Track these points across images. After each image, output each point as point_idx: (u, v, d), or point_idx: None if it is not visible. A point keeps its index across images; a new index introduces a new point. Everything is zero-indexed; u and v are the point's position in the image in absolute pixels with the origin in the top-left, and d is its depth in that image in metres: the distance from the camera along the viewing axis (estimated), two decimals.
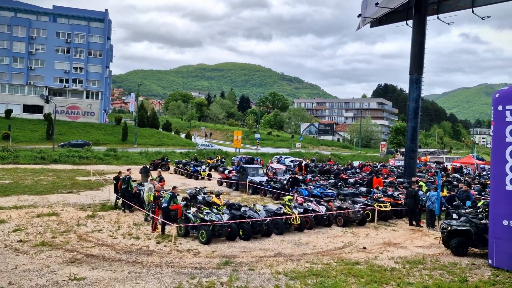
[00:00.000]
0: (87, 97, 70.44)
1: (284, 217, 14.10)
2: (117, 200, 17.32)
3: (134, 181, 18.60)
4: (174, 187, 14.04)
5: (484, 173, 34.97)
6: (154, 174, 22.37)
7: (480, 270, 10.43)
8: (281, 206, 14.89)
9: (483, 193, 20.62)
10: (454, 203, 16.57)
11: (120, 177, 17.58)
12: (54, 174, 28.53)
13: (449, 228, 11.98)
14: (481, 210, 12.99)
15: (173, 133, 76.29)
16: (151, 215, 14.00)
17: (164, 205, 13.27)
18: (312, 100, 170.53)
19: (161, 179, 17.18)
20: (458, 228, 11.83)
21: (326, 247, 12.36)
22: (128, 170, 19.90)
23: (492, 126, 11.06)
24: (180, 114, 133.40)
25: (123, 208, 16.70)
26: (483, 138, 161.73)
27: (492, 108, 11.01)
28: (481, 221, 11.93)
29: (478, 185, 24.67)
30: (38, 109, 64.95)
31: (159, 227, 13.28)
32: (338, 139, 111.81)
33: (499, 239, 10.51)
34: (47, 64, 69.58)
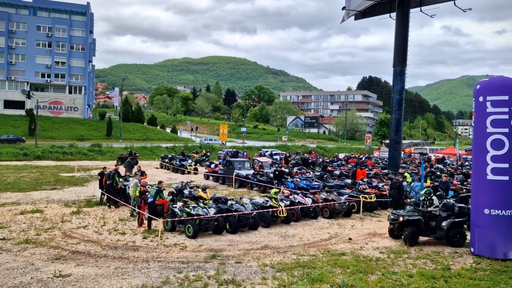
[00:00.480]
0: (70, 92, 69.27)
1: (270, 210, 14.17)
2: (103, 196, 17.17)
3: (123, 176, 18.49)
4: (160, 182, 13.97)
5: (467, 163, 35.62)
6: (136, 169, 22.18)
7: (463, 258, 10.66)
8: (268, 199, 14.95)
9: (465, 183, 21.02)
10: (437, 193, 16.83)
11: (105, 172, 17.43)
12: (37, 170, 28.09)
13: (401, 218, 11.88)
14: (423, 198, 12.77)
15: (158, 127, 75.69)
16: (137, 210, 13.92)
17: (150, 200, 13.20)
18: (297, 93, 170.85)
19: (142, 173, 17.05)
20: (410, 218, 11.81)
21: (313, 239, 12.48)
22: (116, 165, 19.78)
23: (473, 117, 11.26)
24: (166, 108, 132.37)
25: (108, 204, 16.57)
26: (465, 129, 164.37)
27: (474, 99, 11.20)
28: (427, 210, 12.04)
29: (461, 175, 25.16)
30: (19, 104, 63.62)
31: (145, 222, 13.22)
32: (324, 132, 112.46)
33: (480, 227, 10.75)
34: (28, 58, 68.14)
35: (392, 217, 12.23)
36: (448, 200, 13.77)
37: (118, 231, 12.70)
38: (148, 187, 14.55)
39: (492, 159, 10.54)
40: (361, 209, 16.61)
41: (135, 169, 21.26)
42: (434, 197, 12.24)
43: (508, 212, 10.43)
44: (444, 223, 11.79)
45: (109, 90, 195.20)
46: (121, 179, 17.58)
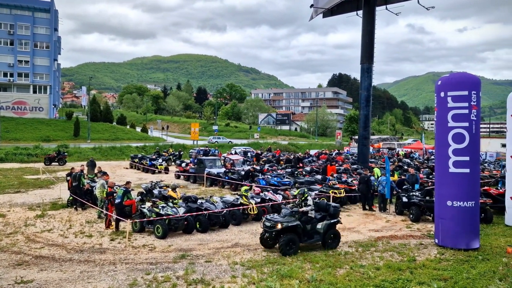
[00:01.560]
0: (35, 92, 66.91)
1: (241, 207, 14.16)
2: (70, 198, 16.69)
3: (91, 178, 18.07)
4: (127, 182, 13.69)
5: (432, 157, 36.72)
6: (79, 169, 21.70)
7: (427, 249, 10.97)
8: (238, 197, 14.94)
9: (431, 176, 21.68)
10: (404, 187, 17.30)
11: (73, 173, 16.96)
12: (0, 173, 27.01)
13: (279, 226, 10.26)
14: (299, 200, 11.30)
15: (128, 127, 74.28)
16: (104, 211, 13.61)
17: (117, 201, 12.91)
18: (269, 91, 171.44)
19: (104, 174, 16.67)
20: (289, 224, 10.36)
21: None
22: (81, 166, 19.29)
23: (435, 112, 11.59)
24: (136, 107, 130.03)
25: (75, 206, 16.12)
26: (431, 124, 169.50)
27: (436, 94, 11.52)
28: (302, 211, 10.85)
29: (427, 169, 25.93)
30: None
31: (113, 223, 12.94)
32: (296, 129, 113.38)
33: (443, 219, 11.08)
34: None
35: (268, 224, 10.46)
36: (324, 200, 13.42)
37: (84, 233, 12.37)
38: (116, 188, 14.24)
39: (453, 152, 10.88)
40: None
41: (96, 170, 20.79)
42: (309, 197, 11.16)
43: (469, 203, 10.81)
44: (319, 226, 10.87)
45: (77, 89, 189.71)
46: (88, 180, 17.16)
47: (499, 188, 17.68)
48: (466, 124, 10.80)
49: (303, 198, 11.20)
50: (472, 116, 10.82)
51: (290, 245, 10.25)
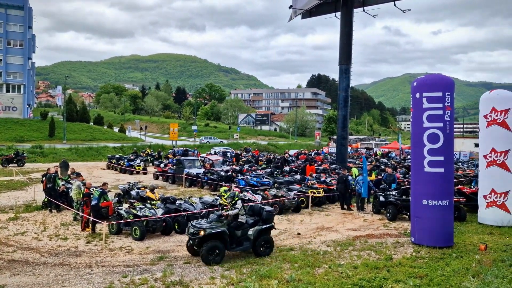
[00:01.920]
0: (8, 91, 65.01)
1: (220, 208, 14.08)
2: (45, 199, 16.29)
3: (66, 179, 17.67)
4: (104, 184, 13.46)
5: (409, 157, 37.41)
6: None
7: (404, 248, 11.16)
8: (218, 197, 14.87)
9: (407, 175, 22.07)
10: (381, 186, 17.56)
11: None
12: None
13: (202, 232, 9.49)
14: (232, 202, 10.51)
15: (105, 127, 73.01)
16: (80, 213, 13.33)
17: (93, 202, 12.68)
18: (249, 91, 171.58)
19: (78, 175, 16.36)
20: (212, 231, 9.62)
21: None
22: (55, 166, 18.87)
23: (411, 112, 11.81)
24: (113, 107, 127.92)
25: (49, 208, 15.74)
26: (408, 124, 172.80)
27: (411, 95, 11.74)
28: (227, 214, 10.22)
29: (404, 168, 26.39)
30: None
31: (90, 225, 12.69)
32: (275, 129, 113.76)
33: (419, 217, 11.30)
34: None
35: (192, 230, 9.75)
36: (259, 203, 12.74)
37: (59, 236, 12.09)
38: (93, 189, 13.97)
39: (428, 152, 11.12)
40: (310, 204, 16.96)
41: (69, 171, 20.41)
42: (239, 201, 10.43)
43: (444, 202, 11.05)
44: (251, 232, 10.16)
45: (52, 88, 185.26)
46: (63, 182, 16.79)
47: (472, 187, 18.16)
48: (441, 124, 11.04)
49: (233, 201, 10.45)
50: (446, 117, 11.08)
51: (213, 253, 9.47)
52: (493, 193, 14.13)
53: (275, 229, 11.01)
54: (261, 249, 10.20)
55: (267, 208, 10.94)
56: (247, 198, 15.51)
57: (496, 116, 14.13)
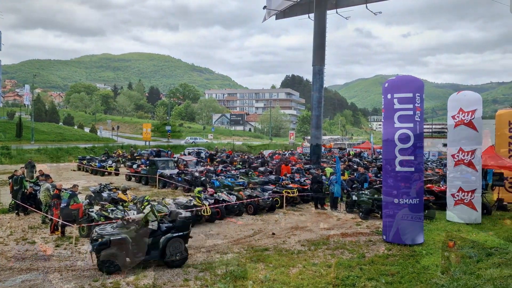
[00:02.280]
0: None
1: (194, 209, 13.97)
2: (12, 202, 15.70)
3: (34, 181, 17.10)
4: (74, 185, 13.10)
5: (380, 156, 38.17)
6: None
7: (376, 246, 11.36)
8: (191, 198, 14.74)
9: (379, 175, 22.49)
10: (354, 186, 17.84)
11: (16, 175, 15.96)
12: None
13: (99, 240, 8.90)
14: (142, 207, 9.75)
15: (76, 127, 71.31)
16: (49, 216, 12.93)
17: (63, 205, 12.31)
18: (223, 91, 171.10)
19: (47, 176, 15.87)
20: (111, 238, 8.86)
21: (237, 236, 12.51)
22: (21, 168, 18.28)
23: (383, 113, 12.04)
24: (84, 107, 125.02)
25: (17, 211, 15.19)
26: (379, 124, 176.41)
27: (383, 96, 11.97)
28: (128, 218, 9.53)
29: (375, 168, 26.90)
30: None
31: (59, 229, 12.32)
32: (250, 129, 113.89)
33: (390, 216, 11.54)
34: None
35: (93, 236, 9.11)
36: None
37: (27, 240, 11.68)
38: (62, 191, 13.58)
39: (399, 152, 11.36)
40: (284, 204, 17.04)
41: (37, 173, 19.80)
42: (148, 206, 9.75)
43: (414, 200, 11.33)
44: (162, 239, 9.31)
45: (19, 87, 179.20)
46: (31, 184, 16.25)
47: (441, 185, 18.69)
48: (411, 125, 11.31)
49: (142, 206, 9.94)
50: (416, 117, 11.35)
51: (111, 261, 8.75)
52: (460, 192, 14.57)
53: (191, 237, 9.96)
54: (172, 259, 9.23)
55: (183, 214, 10.03)
56: (221, 199, 15.43)
57: (464, 116, 14.58)
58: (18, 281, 8.39)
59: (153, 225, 9.42)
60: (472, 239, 12.08)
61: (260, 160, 31.94)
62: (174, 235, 9.44)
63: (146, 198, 10.48)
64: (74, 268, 9.26)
